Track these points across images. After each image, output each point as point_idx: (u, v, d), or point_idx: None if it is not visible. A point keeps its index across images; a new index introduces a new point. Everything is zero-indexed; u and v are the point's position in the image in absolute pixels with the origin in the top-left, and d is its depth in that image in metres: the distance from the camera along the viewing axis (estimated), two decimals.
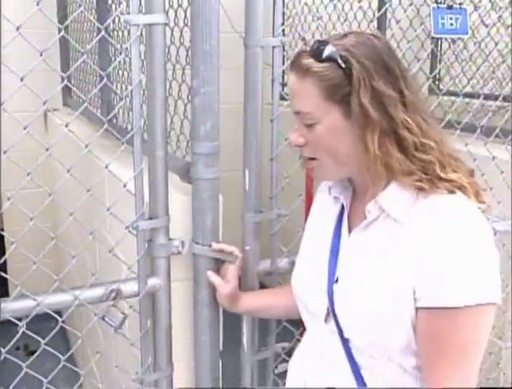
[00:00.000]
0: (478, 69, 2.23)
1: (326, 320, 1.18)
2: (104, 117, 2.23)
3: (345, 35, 1.10)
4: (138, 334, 1.48)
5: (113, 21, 2.14)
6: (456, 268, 1.00)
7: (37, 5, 1.23)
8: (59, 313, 1.39)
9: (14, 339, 1.33)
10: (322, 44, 1.07)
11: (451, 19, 1.63)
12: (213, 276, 1.44)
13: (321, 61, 1.06)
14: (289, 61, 1.15)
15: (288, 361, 1.39)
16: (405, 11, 1.85)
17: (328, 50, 1.06)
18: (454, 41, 1.89)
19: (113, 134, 1.66)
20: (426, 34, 1.91)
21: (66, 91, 3.26)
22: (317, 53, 1.07)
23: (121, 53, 2.16)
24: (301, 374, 1.26)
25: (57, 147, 1.49)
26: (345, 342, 1.14)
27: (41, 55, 1.28)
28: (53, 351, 1.41)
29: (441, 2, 2.51)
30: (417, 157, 1.06)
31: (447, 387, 1.02)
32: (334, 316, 1.14)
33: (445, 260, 1.00)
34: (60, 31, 1.34)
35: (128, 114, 2.17)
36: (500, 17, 2.18)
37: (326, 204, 1.28)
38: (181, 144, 1.66)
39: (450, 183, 1.06)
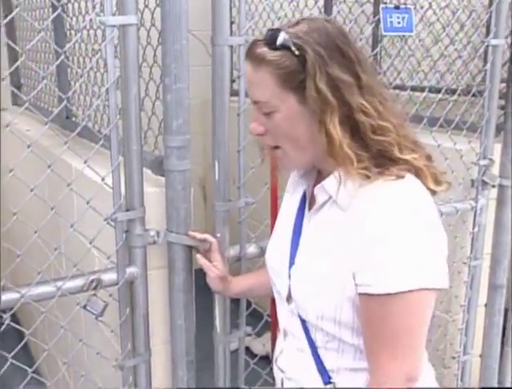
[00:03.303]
0: (405, 63, 2.39)
1: (287, 300, 1.25)
2: (63, 115, 2.28)
3: (298, 22, 1.11)
4: (116, 322, 1.55)
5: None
6: (389, 256, 1.02)
7: None
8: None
9: None
10: (275, 32, 1.09)
11: (398, 18, 1.77)
12: (202, 259, 1.48)
13: (275, 49, 1.08)
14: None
15: None
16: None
17: (281, 38, 1.07)
18: (402, 38, 2.03)
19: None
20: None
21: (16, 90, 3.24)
22: (270, 41, 1.09)
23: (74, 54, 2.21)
24: (275, 354, 1.34)
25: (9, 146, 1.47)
26: (303, 321, 1.20)
27: None
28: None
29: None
30: (375, 140, 1.08)
31: (384, 373, 1.06)
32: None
33: (380, 248, 1.03)
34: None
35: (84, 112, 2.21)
36: (422, 16, 2.34)
37: (295, 188, 1.35)
38: (148, 140, 1.74)
39: (405, 165, 1.09)
